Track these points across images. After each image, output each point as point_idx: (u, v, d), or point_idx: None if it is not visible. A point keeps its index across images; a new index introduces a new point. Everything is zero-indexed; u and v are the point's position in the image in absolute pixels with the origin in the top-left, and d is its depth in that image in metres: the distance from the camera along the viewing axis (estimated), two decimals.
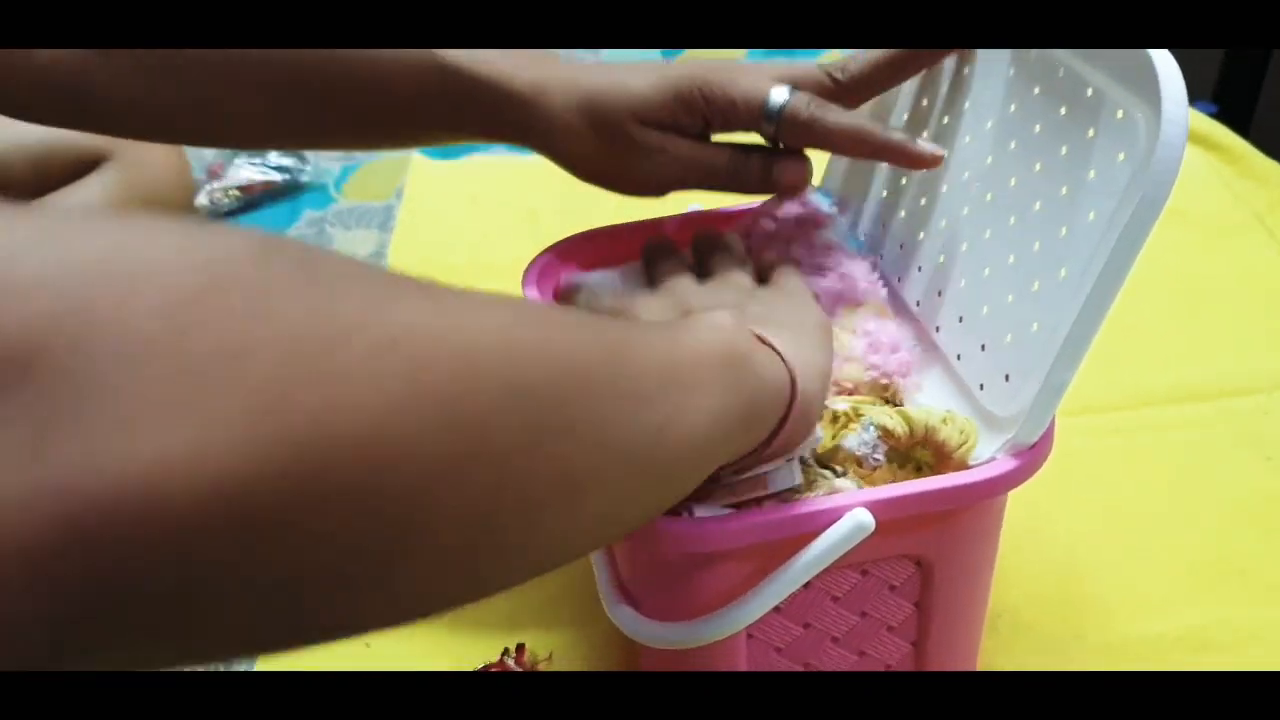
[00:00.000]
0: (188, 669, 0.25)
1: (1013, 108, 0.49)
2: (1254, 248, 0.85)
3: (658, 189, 0.54)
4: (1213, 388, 0.73)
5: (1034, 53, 0.49)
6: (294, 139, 0.60)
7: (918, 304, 0.53)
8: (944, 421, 0.46)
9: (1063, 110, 0.46)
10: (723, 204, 0.61)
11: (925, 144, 0.51)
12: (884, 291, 0.54)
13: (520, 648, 0.58)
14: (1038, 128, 0.48)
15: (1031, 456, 0.44)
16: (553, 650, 0.58)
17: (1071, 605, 0.60)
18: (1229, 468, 0.68)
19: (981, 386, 0.48)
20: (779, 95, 0.51)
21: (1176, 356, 0.76)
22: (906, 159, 0.51)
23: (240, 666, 0.59)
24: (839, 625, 0.48)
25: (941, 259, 0.52)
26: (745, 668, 0.48)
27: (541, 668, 0.57)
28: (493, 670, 0.57)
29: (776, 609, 0.45)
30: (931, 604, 0.48)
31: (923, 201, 0.54)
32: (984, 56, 0.52)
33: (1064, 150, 0.46)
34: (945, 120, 0.54)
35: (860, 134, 0.51)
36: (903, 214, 0.56)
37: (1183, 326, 0.78)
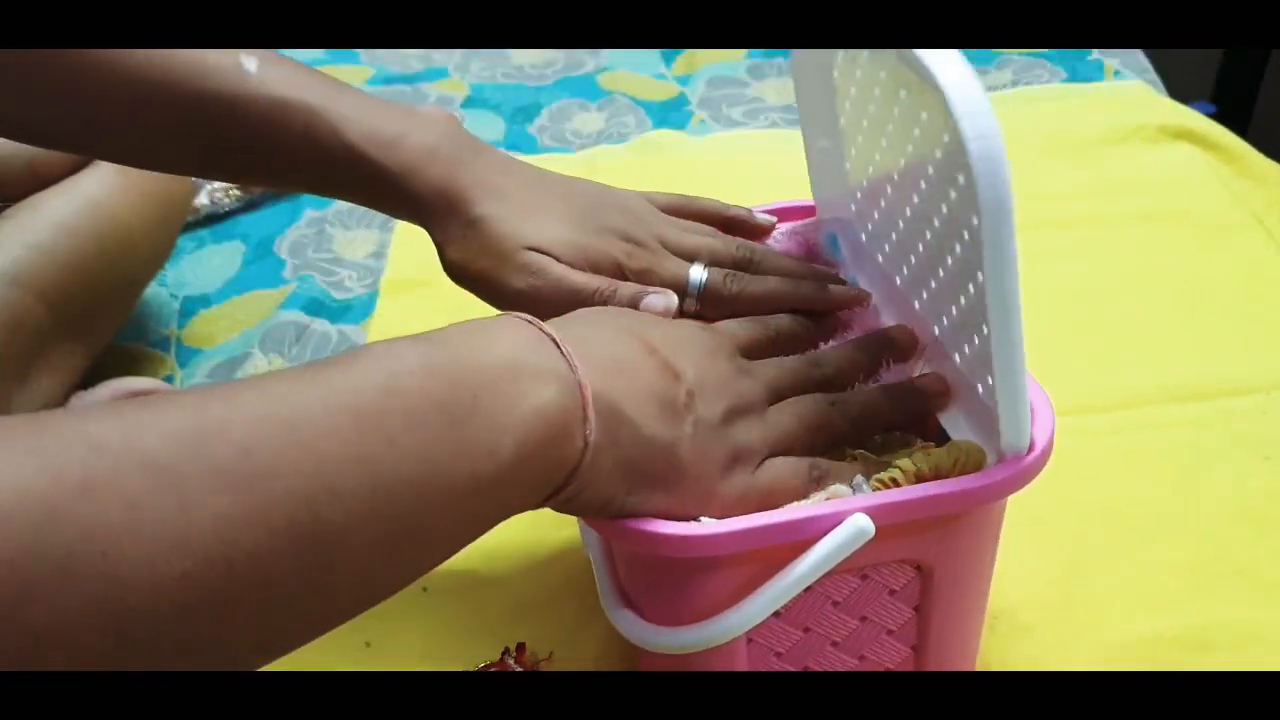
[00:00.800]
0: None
1: (896, 111, 0.49)
2: (1253, 247, 0.85)
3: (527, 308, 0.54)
4: (1212, 388, 0.73)
5: (890, 53, 0.46)
6: (191, 170, 0.61)
7: (917, 304, 0.53)
8: (935, 466, 0.45)
9: (924, 115, 0.45)
10: None
11: (840, 288, 0.54)
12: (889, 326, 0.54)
13: (520, 648, 0.58)
14: (916, 131, 0.47)
15: (1031, 462, 0.44)
16: (553, 650, 0.58)
17: (1070, 605, 0.60)
18: (1229, 467, 0.68)
19: (980, 386, 0.48)
20: (697, 275, 0.53)
21: (1176, 356, 0.76)
22: (826, 304, 0.54)
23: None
24: (839, 630, 0.48)
25: (912, 259, 0.52)
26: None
27: (542, 668, 0.57)
28: (493, 670, 0.57)
29: (776, 614, 0.45)
30: (931, 608, 0.48)
31: (884, 203, 0.54)
32: (870, 56, 0.51)
33: (938, 154, 0.45)
34: (865, 123, 0.53)
35: (777, 298, 0.53)
36: (877, 214, 0.56)
37: (1182, 326, 0.78)
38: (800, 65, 0.56)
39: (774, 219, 0.59)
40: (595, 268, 0.52)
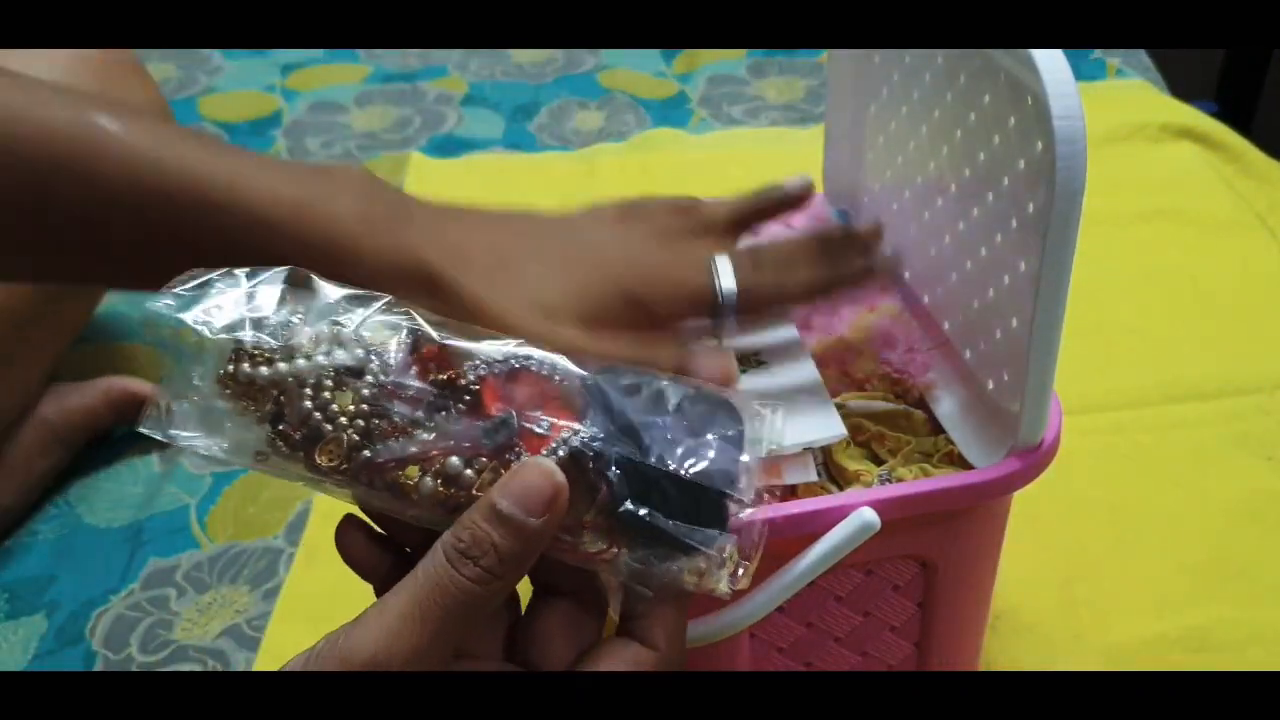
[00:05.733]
0: None
1: (949, 96, 0.49)
2: (1255, 247, 0.85)
3: None
4: (1213, 388, 0.73)
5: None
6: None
7: (927, 299, 0.53)
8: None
9: (986, 98, 0.45)
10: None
11: (878, 258, 0.50)
12: (898, 302, 0.54)
13: None
14: (972, 117, 0.47)
15: (1037, 457, 0.44)
16: None
17: (1071, 605, 0.60)
18: (1229, 468, 0.68)
19: (990, 383, 0.47)
20: (728, 279, 0.45)
21: (1176, 356, 0.76)
22: (858, 276, 0.49)
23: (240, 666, 0.60)
24: (842, 625, 0.48)
25: (933, 252, 0.52)
26: (747, 668, 0.48)
27: None
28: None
29: (779, 608, 0.45)
30: (935, 604, 0.48)
31: (907, 194, 0.54)
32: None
33: (996, 139, 0.45)
34: (904, 110, 0.53)
35: (820, 283, 0.47)
36: (895, 207, 0.56)
37: (1184, 326, 0.78)
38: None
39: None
40: (610, 315, 0.43)
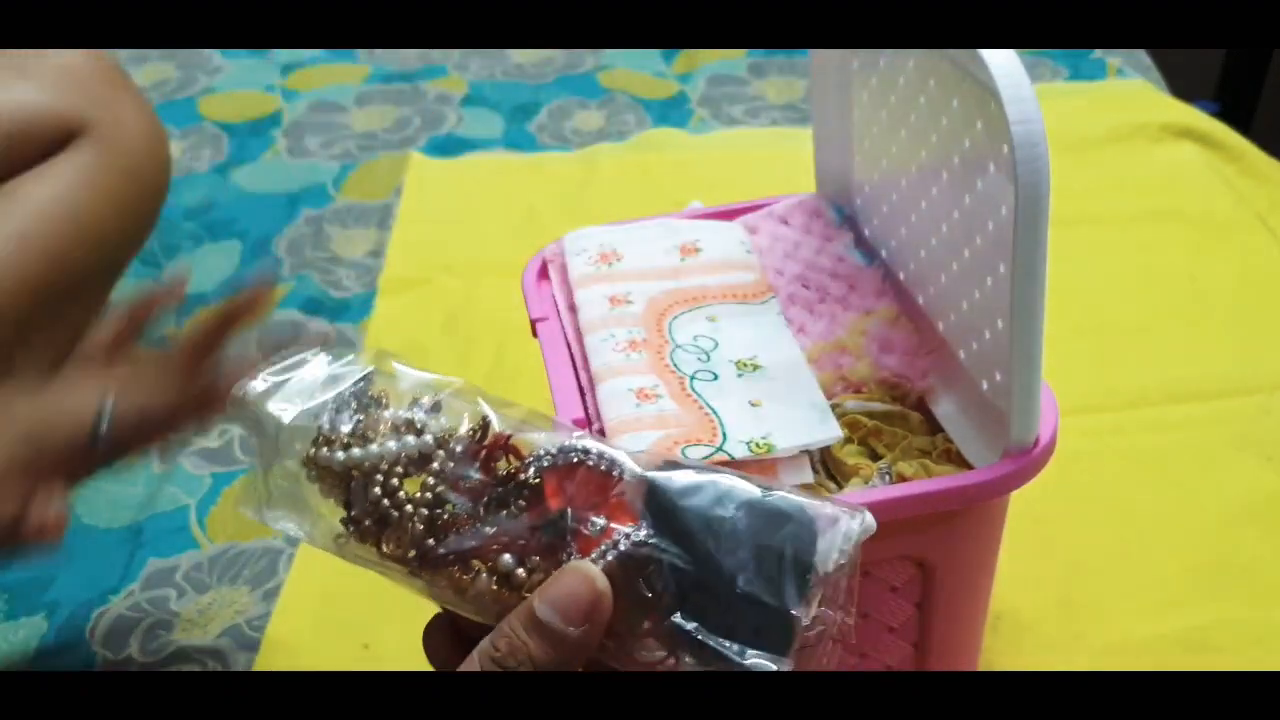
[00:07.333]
0: None
1: (922, 100, 0.49)
2: (1255, 247, 0.85)
3: None
4: (1213, 388, 0.73)
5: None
6: None
7: (921, 300, 0.53)
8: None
9: (955, 102, 0.45)
10: (724, 202, 0.61)
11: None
12: (894, 305, 0.54)
13: None
14: (944, 120, 0.47)
15: (1033, 458, 0.44)
16: None
17: (1072, 606, 0.60)
18: (1229, 468, 0.67)
19: (985, 384, 0.47)
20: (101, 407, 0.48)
21: (1176, 356, 0.76)
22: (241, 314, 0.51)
23: (240, 666, 0.60)
24: None
25: (923, 254, 0.52)
26: None
27: None
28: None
29: None
30: (933, 605, 0.48)
31: (894, 197, 0.54)
32: (892, 50, 0.51)
33: (967, 144, 0.45)
34: (884, 114, 0.53)
35: (195, 346, 0.51)
36: (885, 209, 0.56)
37: (1184, 326, 0.78)
38: (820, 52, 0.56)
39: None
40: None
